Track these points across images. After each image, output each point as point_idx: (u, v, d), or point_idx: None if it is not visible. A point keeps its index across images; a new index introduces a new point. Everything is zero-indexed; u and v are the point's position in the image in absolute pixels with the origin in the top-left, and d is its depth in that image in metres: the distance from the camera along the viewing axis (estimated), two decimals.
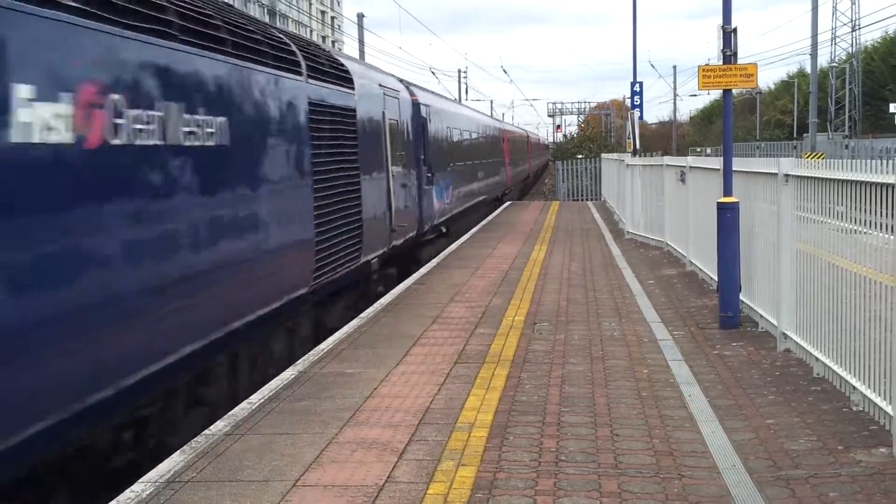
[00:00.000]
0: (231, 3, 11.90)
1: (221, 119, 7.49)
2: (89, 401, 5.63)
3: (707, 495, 5.20)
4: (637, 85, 30.30)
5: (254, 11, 39.69)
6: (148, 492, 5.42)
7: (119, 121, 5.94)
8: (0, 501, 5.28)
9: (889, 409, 5.98)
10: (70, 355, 5.42)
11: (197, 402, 7.71)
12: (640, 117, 31.29)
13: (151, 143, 6.33)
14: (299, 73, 9.73)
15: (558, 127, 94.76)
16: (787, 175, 8.61)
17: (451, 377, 7.99)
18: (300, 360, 8.84)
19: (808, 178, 8.07)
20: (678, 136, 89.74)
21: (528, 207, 33.17)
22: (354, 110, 11.92)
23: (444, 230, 20.58)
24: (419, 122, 17.44)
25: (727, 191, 10.13)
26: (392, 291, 13.19)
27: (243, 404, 7.32)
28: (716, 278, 10.83)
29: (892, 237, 5.96)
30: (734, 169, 10.25)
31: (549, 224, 24.83)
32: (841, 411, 6.71)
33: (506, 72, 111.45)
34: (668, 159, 17.34)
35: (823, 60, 71.49)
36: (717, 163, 11.62)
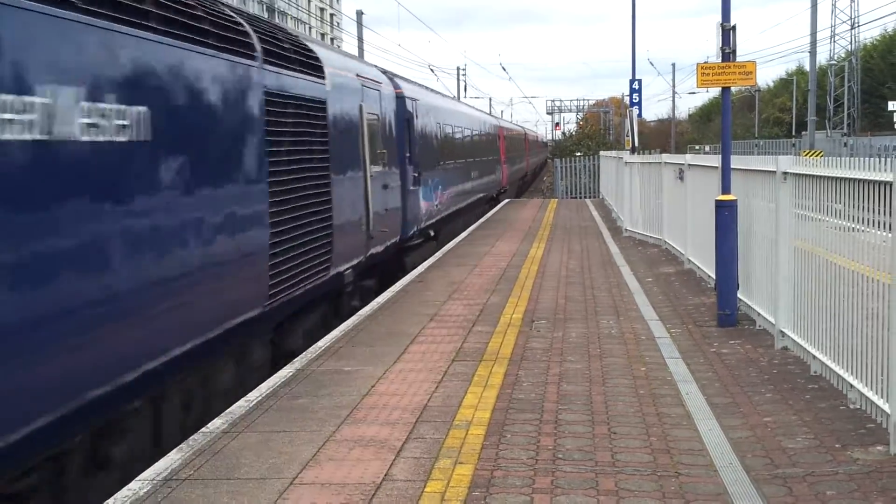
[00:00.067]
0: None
1: (139, 109, 6.15)
2: None
3: (704, 493, 5.20)
4: (636, 82, 30.27)
5: (253, 9, 39.67)
6: (145, 490, 5.42)
7: None
8: None
9: (886, 407, 5.99)
10: None
11: (100, 465, 6.24)
12: (639, 115, 31.27)
13: (28, 137, 4.99)
14: (252, 58, 8.29)
15: (557, 124, 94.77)
16: (785, 173, 8.61)
17: (448, 375, 7.98)
18: (297, 358, 8.83)
19: (806, 175, 8.06)
20: (677, 134, 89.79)
21: (527, 205, 33.17)
22: (324, 102, 10.48)
23: (432, 234, 19.18)
24: (404, 117, 16.08)
25: (725, 188, 10.13)
26: (390, 289, 13.18)
27: (241, 402, 7.32)
28: (714, 276, 10.83)
29: (889, 235, 5.95)
30: (732, 167, 10.25)
31: (548, 222, 24.83)
32: (838, 409, 6.71)
33: (504, 69, 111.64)
34: (666, 157, 17.33)
35: (822, 58, 71.54)
36: (715, 160, 11.62)
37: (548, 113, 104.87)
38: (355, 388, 7.63)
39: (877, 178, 6.22)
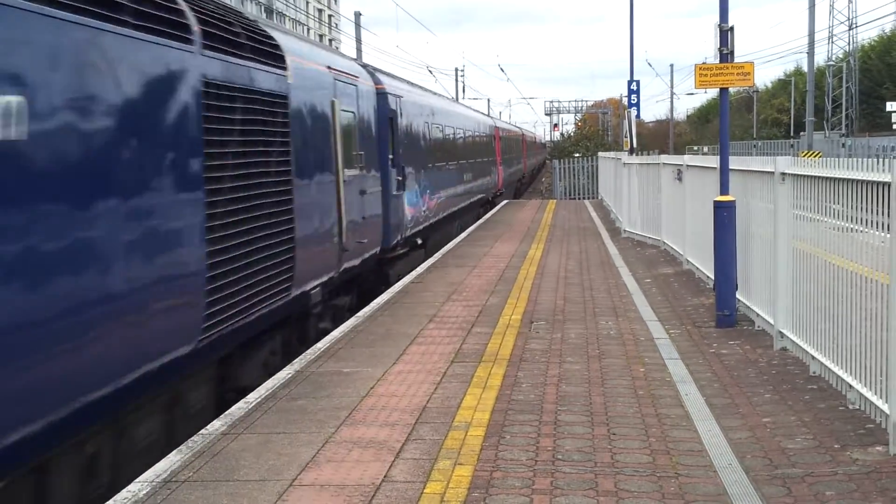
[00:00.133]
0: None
1: (8, 99, 4.86)
2: None
3: (704, 494, 5.21)
4: (634, 83, 30.31)
5: (252, 10, 39.68)
6: (145, 491, 5.42)
7: None
8: None
9: (885, 408, 5.99)
10: None
11: None
12: (637, 116, 31.31)
13: None
14: (187, 41, 6.93)
15: (555, 125, 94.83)
16: (783, 173, 8.61)
17: (447, 376, 7.98)
18: (297, 360, 8.83)
19: (804, 176, 8.07)
20: (675, 135, 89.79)
21: (526, 206, 33.18)
22: (286, 97, 9.16)
23: (419, 242, 17.76)
24: (386, 115, 14.71)
25: (724, 189, 10.13)
26: (389, 290, 13.18)
27: (240, 403, 7.32)
28: (712, 277, 10.84)
29: (888, 235, 5.96)
30: (731, 167, 10.25)
31: (546, 222, 24.84)
32: (837, 410, 6.72)
33: (503, 70, 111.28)
34: (664, 158, 17.35)
35: (820, 59, 71.79)
36: (713, 161, 11.63)
37: (546, 114, 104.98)
38: (354, 389, 7.63)
39: (875, 179, 6.22)
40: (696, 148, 76.53)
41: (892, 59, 74.07)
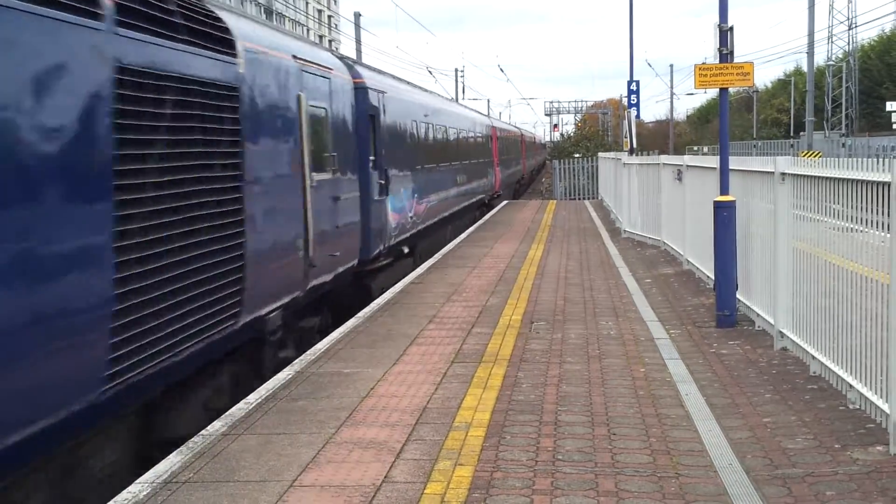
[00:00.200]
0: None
1: None
2: None
3: (704, 494, 5.21)
4: (634, 84, 30.31)
5: (251, 10, 39.70)
6: (145, 492, 5.42)
7: None
8: None
9: (886, 408, 5.99)
10: None
11: None
12: (637, 116, 31.32)
13: None
14: (92, 15, 5.70)
15: (555, 126, 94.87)
16: (783, 173, 8.62)
17: (448, 377, 7.99)
18: (297, 360, 8.83)
19: (804, 176, 8.07)
20: (675, 135, 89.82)
21: (526, 206, 33.19)
22: (236, 88, 7.90)
23: (406, 251, 16.42)
24: (366, 112, 13.36)
25: (724, 189, 10.13)
26: (389, 290, 13.18)
27: (240, 404, 7.32)
28: (712, 277, 10.84)
29: (888, 235, 5.96)
30: (731, 167, 10.26)
31: (546, 223, 24.84)
32: (838, 409, 6.72)
33: (502, 70, 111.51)
34: (664, 158, 17.35)
35: (820, 59, 71.86)
36: (713, 161, 11.63)
37: (546, 114, 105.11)
38: (355, 389, 7.63)
39: (875, 179, 6.22)
40: (696, 148, 76.55)
41: (891, 59, 74.09)
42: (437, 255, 17.57)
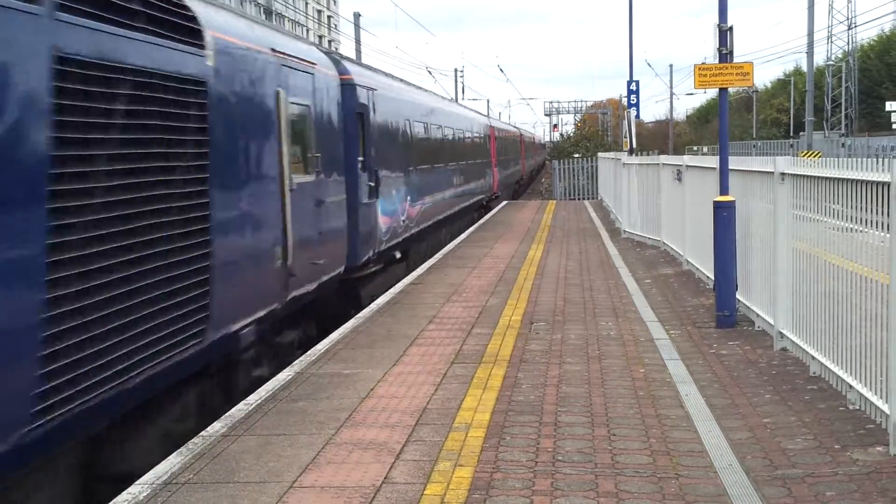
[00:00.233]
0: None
1: None
2: None
3: (704, 494, 5.20)
4: (633, 84, 30.31)
5: (250, 10, 39.70)
6: (145, 494, 5.42)
7: None
8: None
9: (885, 408, 5.99)
10: None
11: None
12: (637, 116, 31.33)
13: None
14: None
15: (555, 126, 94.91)
16: (783, 174, 8.62)
17: (448, 377, 7.98)
18: (297, 361, 8.83)
19: (804, 176, 8.07)
20: (675, 135, 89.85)
21: (525, 207, 33.19)
22: (203, 83, 7.24)
23: (398, 256, 15.70)
24: (354, 110, 12.67)
25: (724, 189, 10.13)
26: (389, 291, 13.18)
27: (240, 405, 7.31)
28: (712, 277, 10.84)
29: (888, 235, 5.96)
30: (731, 168, 10.26)
31: (546, 223, 24.84)
32: (837, 410, 6.72)
33: (502, 70, 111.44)
34: (664, 158, 17.36)
35: (820, 59, 71.89)
36: (713, 161, 11.63)
37: (546, 114, 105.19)
38: (355, 390, 7.62)
39: (874, 179, 6.22)
40: (695, 148, 76.58)
41: (891, 59, 74.13)
42: (437, 256, 17.56)
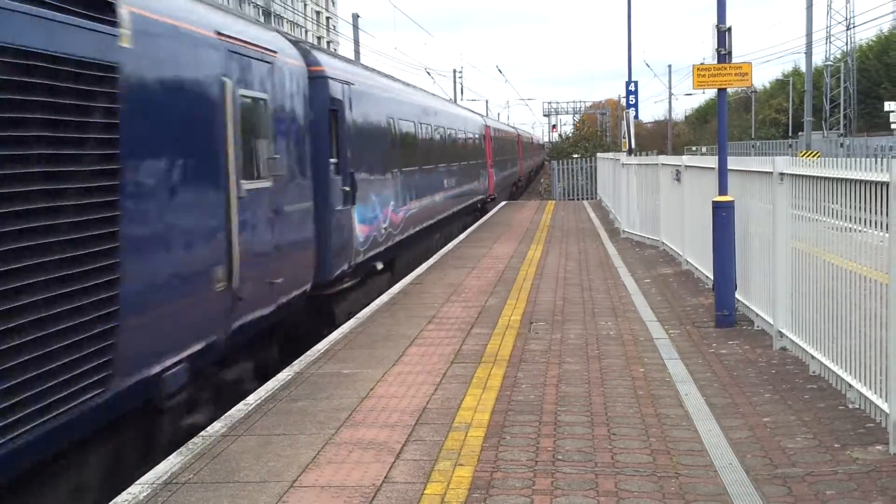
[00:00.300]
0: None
1: None
2: None
3: (704, 493, 5.21)
4: (632, 84, 30.29)
5: (249, 11, 39.68)
6: (145, 493, 5.42)
7: None
8: None
9: (885, 407, 5.99)
10: None
11: None
12: (636, 116, 31.31)
13: None
14: None
15: (553, 126, 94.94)
16: (782, 174, 8.62)
17: (447, 377, 7.99)
18: (297, 361, 8.83)
19: (803, 176, 8.08)
20: (674, 136, 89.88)
21: (524, 207, 33.21)
22: (113, 69, 5.87)
23: (379, 267, 14.12)
24: (325, 106, 11.27)
25: (722, 189, 10.14)
26: (388, 291, 13.18)
27: (240, 405, 7.31)
28: (711, 277, 10.84)
29: (887, 235, 5.96)
30: (729, 168, 10.26)
31: (545, 223, 24.85)
32: (837, 409, 6.72)
33: (501, 71, 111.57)
34: (663, 158, 17.38)
35: (818, 59, 71.84)
36: (712, 162, 11.64)
37: (544, 115, 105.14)
38: (354, 390, 7.63)
39: (873, 179, 6.23)
40: (694, 148, 76.64)
41: (889, 59, 74.17)
42: (436, 256, 17.57)
